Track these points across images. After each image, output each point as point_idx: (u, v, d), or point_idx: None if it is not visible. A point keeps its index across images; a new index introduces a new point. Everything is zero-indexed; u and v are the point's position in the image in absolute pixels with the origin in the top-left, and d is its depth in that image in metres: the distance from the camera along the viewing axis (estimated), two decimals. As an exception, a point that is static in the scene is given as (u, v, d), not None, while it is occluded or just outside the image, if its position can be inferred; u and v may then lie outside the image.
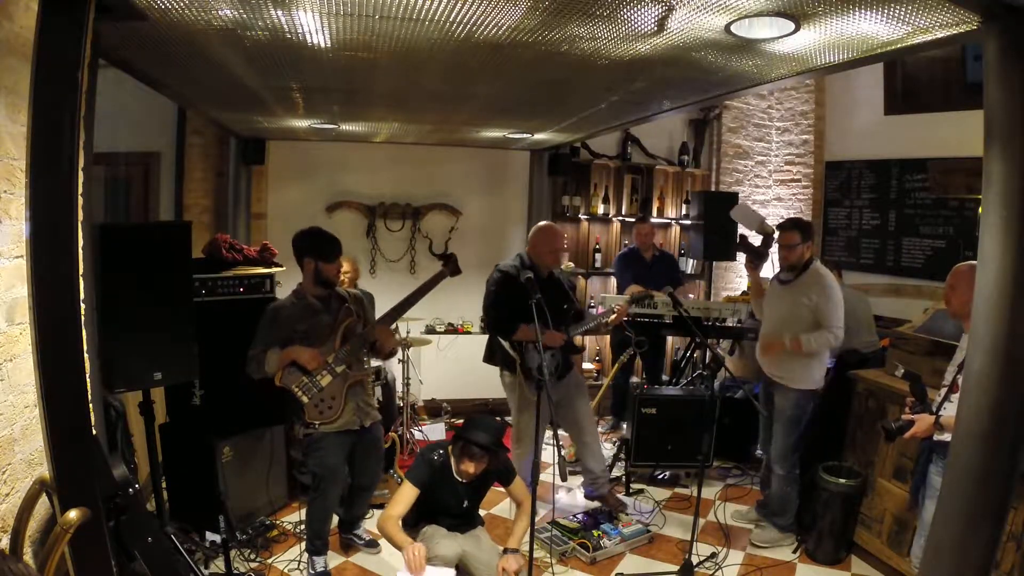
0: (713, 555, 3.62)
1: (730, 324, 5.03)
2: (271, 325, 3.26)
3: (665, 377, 5.83)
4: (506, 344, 3.82)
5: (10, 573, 0.98)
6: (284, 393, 3.25)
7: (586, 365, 6.01)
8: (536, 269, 3.85)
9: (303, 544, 3.49)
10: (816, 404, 3.73)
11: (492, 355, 4.08)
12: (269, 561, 3.47)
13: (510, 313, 3.71)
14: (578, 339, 4.30)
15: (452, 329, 6.04)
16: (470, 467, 2.91)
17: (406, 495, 2.93)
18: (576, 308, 4.08)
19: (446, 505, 3.03)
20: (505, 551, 2.94)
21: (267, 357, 3.20)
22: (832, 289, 3.59)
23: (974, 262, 2.73)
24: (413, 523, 3.06)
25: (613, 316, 4.11)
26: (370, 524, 3.77)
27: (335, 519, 3.59)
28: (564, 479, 2.89)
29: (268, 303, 3.81)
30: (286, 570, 3.41)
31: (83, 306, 1.80)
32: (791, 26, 2.14)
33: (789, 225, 3.71)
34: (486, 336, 5.91)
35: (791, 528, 3.76)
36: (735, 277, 6.67)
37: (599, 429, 5.52)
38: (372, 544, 3.68)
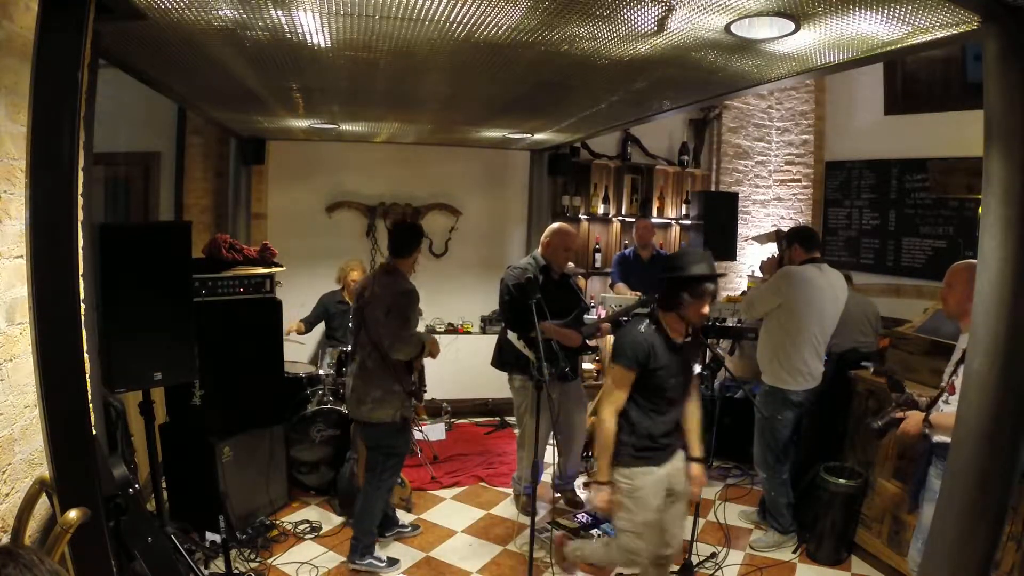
0: (713, 555, 3.62)
1: (730, 324, 5.03)
2: (416, 305, 3.38)
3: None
4: (519, 344, 3.81)
5: (40, 565, 0.99)
6: (403, 372, 3.38)
7: (586, 365, 6.01)
8: (549, 269, 3.92)
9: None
10: (798, 414, 3.70)
11: (501, 358, 4.07)
12: (269, 561, 3.47)
13: (528, 309, 3.68)
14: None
15: (452, 329, 6.04)
16: (704, 307, 2.60)
17: (625, 384, 2.65)
18: (585, 310, 4.12)
19: (666, 380, 2.67)
20: (691, 459, 2.79)
21: (423, 339, 3.40)
22: (773, 279, 3.75)
23: (971, 260, 2.75)
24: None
25: (598, 333, 4.26)
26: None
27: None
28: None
29: (269, 303, 3.83)
30: (286, 570, 3.42)
31: (83, 306, 1.80)
32: (791, 26, 2.14)
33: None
34: (486, 336, 5.98)
35: (792, 529, 3.76)
36: (735, 277, 6.68)
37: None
38: (415, 527, 3.88)
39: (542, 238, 4.01)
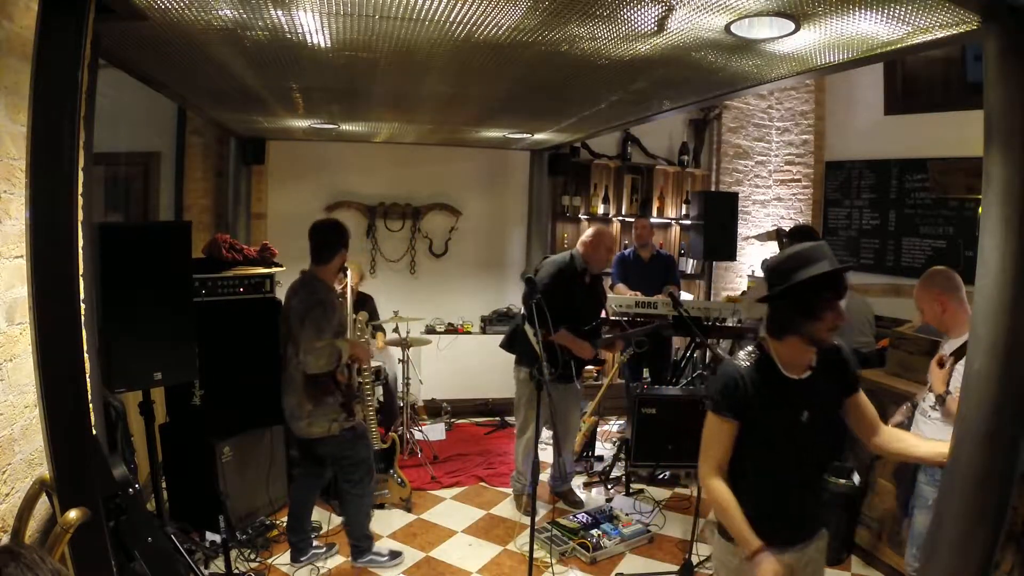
0: (713, 555, 3.62)
1: (730, 324, 5.03)
2: (329, 315, 3.21)
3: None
4: (534, 340, 3.82)
5: (42, 564, 0.98)
6: (328, 384, 3.22)
7: (587, 365, 6.01)
8: (587, 270, 3.97)
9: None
10: None
11: (511, 345, 4.11)
12: (269, 561, 3.47)
13: (556, 310, 3.57)
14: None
15: (452, 329, 6.04)
16: (838, 316, 1.88)
17: (722, 437, 1.96)
18: (605, 320, 4.16)
19: (785, 434, 1.94)
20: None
21: (339, 347, 3.19)
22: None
23: (935, 269, 2.75)
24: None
25: (611, 348, 4.29)
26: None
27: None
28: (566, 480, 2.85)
29: (269, 303, 3.83)
30: (286, 570, 3.42)
31: (83, 306, 1.80)
32: (791, 26, 2.14)
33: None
34: (486, 336, 5.98)
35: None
36: (735, 277, 6.68)
37: (604, 427, 5.55)
38: (330, 547, 3.65)
39: (582, 239, 4.04)
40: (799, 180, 6.64)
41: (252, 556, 3.49)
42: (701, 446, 2.05)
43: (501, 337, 4.51)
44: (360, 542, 3.42)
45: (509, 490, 4.39)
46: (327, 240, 3.29)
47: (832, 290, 1.87)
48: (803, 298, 1.87)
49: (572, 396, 4.17)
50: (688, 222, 6.47)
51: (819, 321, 1.86)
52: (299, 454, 3.56)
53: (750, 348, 2.01)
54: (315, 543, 3.55)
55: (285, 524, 3.56)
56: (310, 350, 3.10)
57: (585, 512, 4.02)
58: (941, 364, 2.59)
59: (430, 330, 5.93)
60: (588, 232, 4.06)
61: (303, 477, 3.52)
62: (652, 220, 6.11)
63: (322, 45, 2.55)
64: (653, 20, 2.17)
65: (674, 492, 4.53)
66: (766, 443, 1.93)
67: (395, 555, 3.51)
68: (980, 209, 1.75)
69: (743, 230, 6.38)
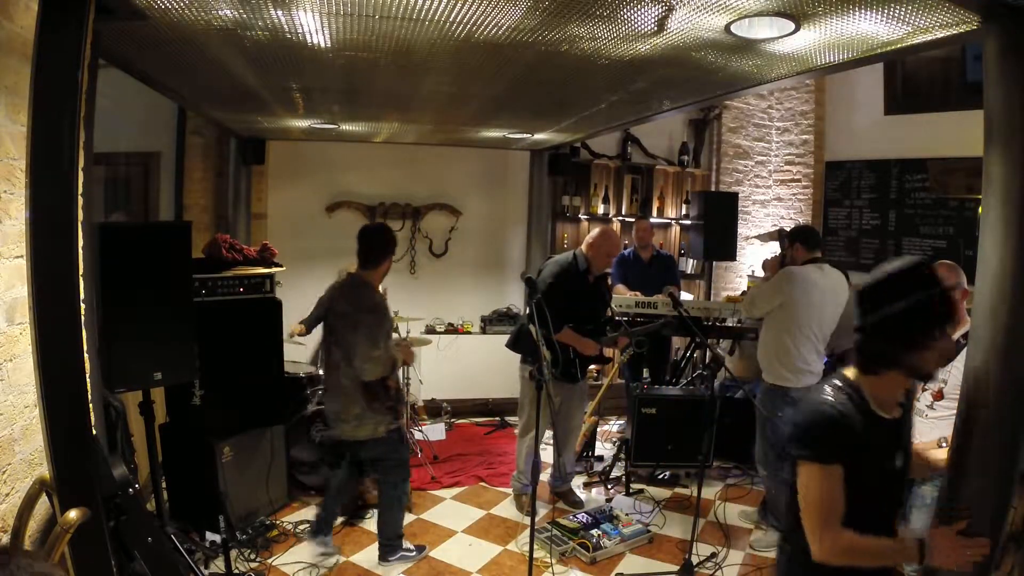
0: (713, 555, 3.62)
1: (730, 324, 5.03)
2: (383, 321, 3.25)
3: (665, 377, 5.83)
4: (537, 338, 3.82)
5: (29, 569, 0.97)
6: (378, 389, 3.26)
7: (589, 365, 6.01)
8: (589, 271, 3.97)
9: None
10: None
11: (516, 344, 4.12)
12: (269, 561, 3.47)
13: (559, 309, 3.61)
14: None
15: (452, 329, 6.04)
16: (948, 345, 1.68)
17: (833, 487, 1.62)
18: (610, 319, 4.19)
19: (876, 483, 1.69)
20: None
21: (394, 355, 3.24)
22: (775, 278, 3.77)
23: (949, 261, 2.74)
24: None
25: (615, 345, 4.27)
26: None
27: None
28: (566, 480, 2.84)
29: (269, 303, 3.83)
30: (286, 570, 3.42)
31: (83, 306, 1.80)
32: (791, 26, 2.14)
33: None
34: (486, 336, 5.98)
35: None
36: (735, 277, 6.68)
37: (604, 427, 5.55)
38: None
39: (587, 239, 4.04)
40: (799, 180, 6.63)
41: (252, 556, 3.48)
42: (808, 513, 1.66)
43: (501, 337, 4.52)
44: (393, 540, 3.48)
45: (509, 490, 4.39)
46: (377, 244, 3.34)
47: (946, 313, 1.62)
48: (912, 324, 1.60)
49: (577, 396, 4.18)
50: (688, 222, 6.47)
51: (928, 351, 1.61)
52: (337, 456, 3.58)
53: (836, 383, 1.71)
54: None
55: (319, 506, 3.61)
56: (368, 358, 3.14)
57: (585, 512, 4.02)
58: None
59: (430, 330, 5.93)
60: (593, 233, 4.06)
61: (342, 480, 3.56)
62: (652, 220, 6.11)
63: (322, 45, 2.55)
64: (653, 20, 2.17)
65: (674, 492, 4.53)
66: (858, 493, 1.63)
67: (420, 549, 3.58)
68: (980, 209, 1.75)
69: (743, 230, 6.38)
